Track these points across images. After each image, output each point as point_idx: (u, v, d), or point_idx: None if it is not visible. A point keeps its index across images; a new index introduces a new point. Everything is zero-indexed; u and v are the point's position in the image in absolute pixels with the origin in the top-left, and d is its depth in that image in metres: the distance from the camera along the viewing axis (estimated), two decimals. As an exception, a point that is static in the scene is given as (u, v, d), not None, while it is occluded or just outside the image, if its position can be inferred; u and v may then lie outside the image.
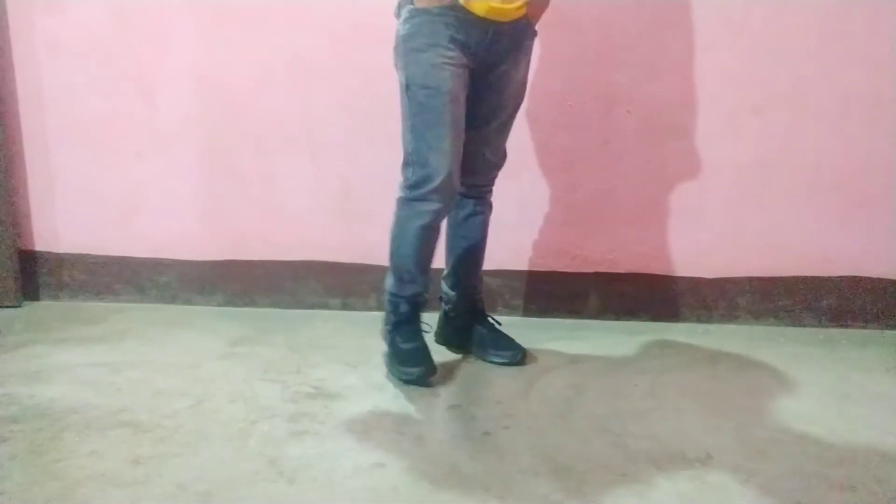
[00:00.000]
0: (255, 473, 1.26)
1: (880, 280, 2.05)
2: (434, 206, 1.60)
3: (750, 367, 1.79)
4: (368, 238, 2.13)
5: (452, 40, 1.53)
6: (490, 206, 1.81)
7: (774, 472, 1.29)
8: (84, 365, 1.71)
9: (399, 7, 1.59)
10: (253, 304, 2.20)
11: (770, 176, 2.04)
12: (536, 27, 1.64)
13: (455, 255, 1.83)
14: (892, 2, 1.92)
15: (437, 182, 1.57)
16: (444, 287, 1.86)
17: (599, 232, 2.11)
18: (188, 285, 2.19)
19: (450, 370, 1.74)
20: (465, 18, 1.52)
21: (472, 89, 1.61)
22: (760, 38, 1.98)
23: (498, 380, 1.70)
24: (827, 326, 2.07)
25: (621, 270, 2.11)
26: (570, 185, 2.09)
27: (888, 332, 2.04)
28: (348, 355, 1.83)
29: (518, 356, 1.77)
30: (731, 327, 2.08)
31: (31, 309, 2.11)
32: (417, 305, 1.73)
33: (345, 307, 2.19)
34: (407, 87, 1.57)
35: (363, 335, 1.97)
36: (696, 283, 2.10)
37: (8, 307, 2.08)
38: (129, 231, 2.17)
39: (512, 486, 1.24)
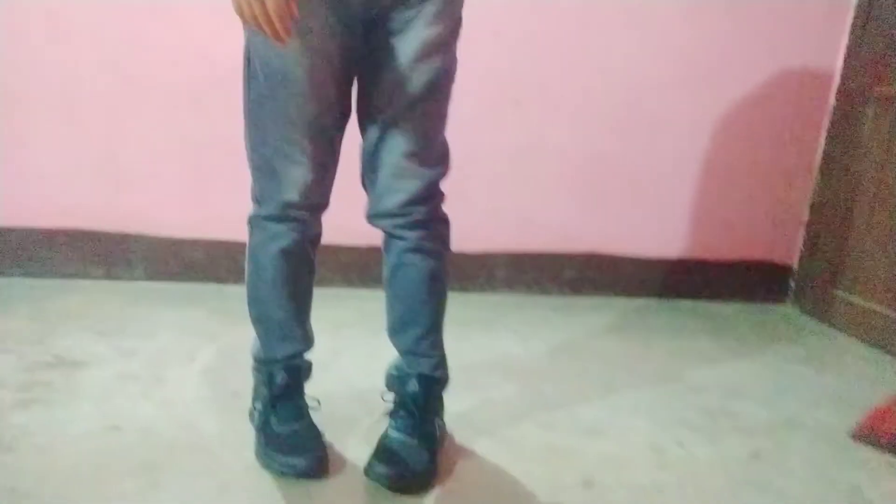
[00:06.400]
0: (-34, 443, 1.20)
1: (613, 256, 2.37)
2: (293, 224, 1.19)
3: (496, 330, 2.00)
4: (134, 205, 2.06)
5: None
6: (440, 238, 1.26)
7: (469, 409, 1.48)
8: None
9: None
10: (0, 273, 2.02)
11: (524, 163, 2.26)
12: None
13: (392, 325, 1.31)
14: (623, 18, 2.21)
15: (292, 194, 1.15)
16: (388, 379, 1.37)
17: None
18: (-82, 253, 1.96)
19: (214, 337, 1.75)
20: None
21: (364, 61, 1.14)
22: (517, 38, 2.18)
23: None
24: (568, 295, 2.36)
25: (392, 244, 2.23)
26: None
27: (617, 300, 2.37)
28: (102, 325, 1.76)
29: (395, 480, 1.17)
30: (488, 296, 2.30)
31: None
32: (299, 372, 1.29)
33: (109, 276, 2.09)
34: (248, 62, 1.12)
35: (124, 305, 1.91)
36: (459, 258, 2.26)
37: None
38: None
39: (249, 445, 1.28)
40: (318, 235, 1.26)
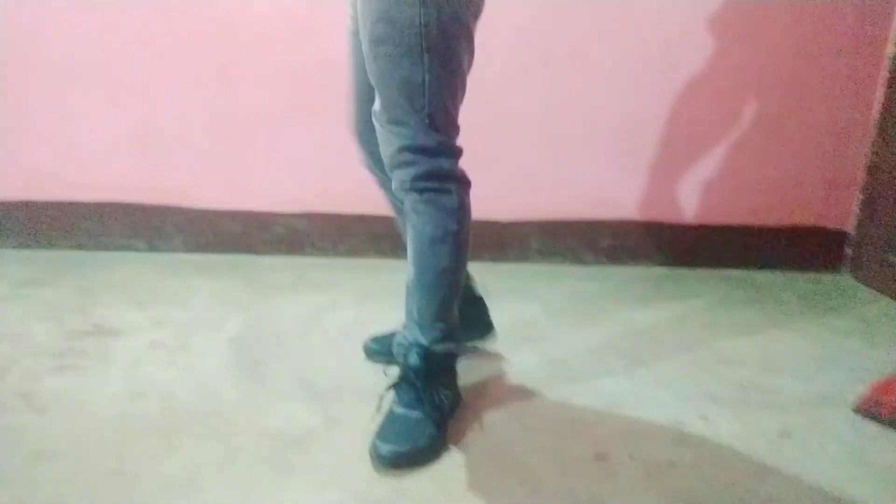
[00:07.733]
0: (2, 405, 1.27)
1: (652, 223, 2.28)
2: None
3: (525, 300, 1.97)
4: (173, 179, 2.13)
5: None
6: (435, 204, 1.20)
7: (486, 379, 1.47)
8: None
9: None
10: (50, 246, 2.14)
11: (555, 127, 2.19)
12: None
13: (406, 288, 1.30)
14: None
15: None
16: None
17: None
18: (-23, 227, 2.09)
19: (244, 307, 1.80)
20: None
21: None
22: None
23: (282, 317, 1.75)
24: (605, 264, 2.30)
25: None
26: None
27: (655, 268, 2.29)
28: (141, 295, 1.83)
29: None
30: (523, 266, 2.26)
31: None
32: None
33: (151, 249, 2.18)
34: None
35: (163, 276, 1.98)
36: (492, 226, 2.25)
37: None
38: None
39: (268, 409, 1.32)
40: (370, 165, 1.40)
